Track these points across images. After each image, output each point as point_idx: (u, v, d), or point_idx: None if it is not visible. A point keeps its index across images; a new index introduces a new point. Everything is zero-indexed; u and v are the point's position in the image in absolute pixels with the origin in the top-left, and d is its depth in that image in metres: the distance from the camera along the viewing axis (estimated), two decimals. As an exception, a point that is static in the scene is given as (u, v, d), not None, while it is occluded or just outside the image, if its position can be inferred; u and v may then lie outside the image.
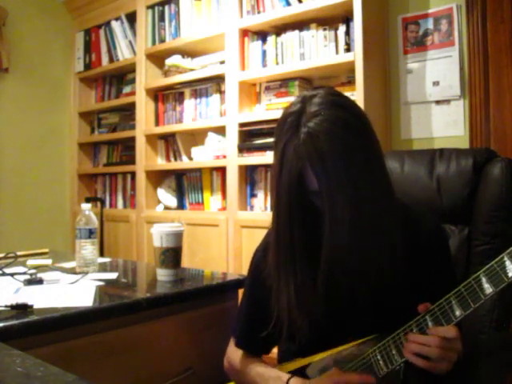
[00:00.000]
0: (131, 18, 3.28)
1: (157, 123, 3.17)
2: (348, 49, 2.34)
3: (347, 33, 2.35)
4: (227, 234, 2.64)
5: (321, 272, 0.94)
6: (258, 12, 2.60)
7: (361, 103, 2.15)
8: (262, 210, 2.61)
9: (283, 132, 0.93)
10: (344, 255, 0.91)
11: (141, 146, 3.17)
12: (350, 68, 2.29)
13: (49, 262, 1.67)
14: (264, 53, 2.63)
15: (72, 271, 1.47)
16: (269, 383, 1.05)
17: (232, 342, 1.18)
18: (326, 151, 0.88)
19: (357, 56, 2.20)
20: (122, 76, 3.52)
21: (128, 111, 3.45)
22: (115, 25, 3.36)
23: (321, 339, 1.00)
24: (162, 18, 3.10)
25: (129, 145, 3.42)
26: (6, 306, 1.04)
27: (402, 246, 0.94)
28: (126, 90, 3.44)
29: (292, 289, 0.96)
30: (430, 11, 2.32)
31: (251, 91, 2.72)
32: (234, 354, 1.16)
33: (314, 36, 2.44)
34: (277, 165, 0.94)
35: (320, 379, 0.98)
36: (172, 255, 1.33)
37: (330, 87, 1.03)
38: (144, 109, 3.16)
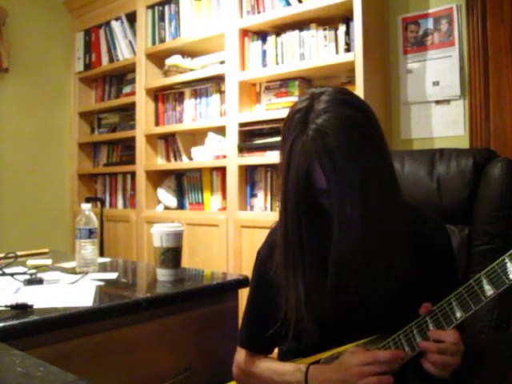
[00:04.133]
0: (131, 18, 3.28)
1: (157, 123, 3.17)
2: (348, 49, 2.34)
3: (347, 33, 2.35)
4: (227, 234, 2.63)
5: (329, 271, 0.93)
6: (258, 12, 2.59)
7: (361, 103, 2.14)
8: (262, 209, 2.61)
9: (291, 129, 0.92)
10: (352, 254, 0.91)
11: (141, 145, 3.17)
12: (350, 68, 2.29)
13: (49, 262, 1.67)
14: (264, 53, 2.63)
15: (72, 271, 1.47)
16: (286, 378, 1.02)
17: (238, 349, 1.16)
18: (334, 148, 0.87)
19: (357, 56, 2.20)
20: (122, 76, 3.52)
21: (128, 111, 3.45)
22: (115, 25, 3.36)
23: (326, 338, 1.00)
24: (162, 18, 3.09)
25: (129, 145, 3.42)
26: (5, 306, 1.04)
27: (407, 245, 0.94)
28: (126, 89, 3.44)
29: (301, 287, 0.96)
30: (430, 11, 2.32)
31: (251, 91, 2.72)
32: (240, 357, 1.14)
33: (314, 36, 2.44)
34: (284, 162, 0.94)
35: (341, 362, 0.94)
36: (172, 255, 1.33)
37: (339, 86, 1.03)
38: (144, 109, 3.16)
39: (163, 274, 1.34)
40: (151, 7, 3.15)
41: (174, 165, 3.07)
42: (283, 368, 1.05)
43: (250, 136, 2.67)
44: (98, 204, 3.20)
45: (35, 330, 0.98)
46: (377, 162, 0.92)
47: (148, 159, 3.16)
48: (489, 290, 0.85)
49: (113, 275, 1.43)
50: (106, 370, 1.09)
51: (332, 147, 0.87)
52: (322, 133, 0.88)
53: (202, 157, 2.87)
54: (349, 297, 0.96)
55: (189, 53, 3.03)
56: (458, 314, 0.88)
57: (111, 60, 3.43)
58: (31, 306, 1.05)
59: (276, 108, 2.57)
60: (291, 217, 0.95)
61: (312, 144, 0.88)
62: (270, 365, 1.08)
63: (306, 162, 0.90)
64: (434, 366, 0.87)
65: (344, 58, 2.28)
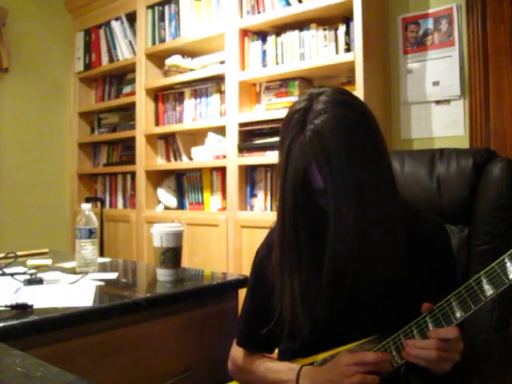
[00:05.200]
0: (131, 18, 3.28)
1: (157, 123, 3.17)
2: (348, 49, 2.34)
3: (347, 33, 2.35)
4: (227, 234, 2.63)
5: (325, 271, 0.93)
6: (258, 12, 2.59)
7: (361, 103, 2.15)
8: (262, 209, 2.61)
9: (289, 129, 0.93)
10: (348, 254, 0.91)
11: (141, 145, 3.17)
12: (350, 68, 2.29)
13: (49, 262, 1.67)
14: (264, 53, 2.63)
15: (72, 271, 1.47)
16: (279, 375, 1.03)
17: (235, 343, 1.17)
18: (331, 149, 0.87)
19: (357, 56, 2.20)
20: (122, 76, 3.52)
21: (128, 111, 3.45)
22: (115, 25, 3.36)
23: (322, 338, 1.00)
24: (162, 18, 3.09)
25: (129, 145, 3.42)
26: (5, 306, 1.04)
27: (405, 245, 0.94)
28: (126, 89, 3.44)
29: (296, 286, 0.96)
30: (430, 11, 2.32)
31: (251, 91, 2.72)
32: (237, 354, 1.15)
33: (314, 36, 2.44)
34: (282, 162, 0.94)
35: (332, 363, 0.96)
36: (172, 255, 1.33)
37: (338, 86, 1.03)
38: (144, 109, 3.16)
39: (163, 274, 1.34)
40: (151, 7, 3.15)
41: (174, 165, 3.07)
42: (277, 366, 1.06)
43: (249, 136, 2.67)
44: (98, 204, 3.20)
45: (35, 330, 0.98)
46: (374, 162, 0.92)
47: (148, 159, 3.16)
48: (488, 290, 0.85)
49: (113, 275, 1.43)
50: (106, 370, 1.09)
51: (329, 148, 0.87)
52: (320, 134, 0.88)
53: (201, 157, 2.87)
54: (345, 297, 0.96)
55: (189, 53, 3.03)
56: (458, 314, 0.88)
57: (111, 60, 3.43)
58: (31, 306, 1.05)
59: (276, 108, 2.56)
60: (289, 216, 0.95)
61: (309, 145, 0.89)
62: (265, 363, 1.09)
63: (303, 162, 0.90)
64: (409, 357, 0.90)
65: (344, 57, 2.28)
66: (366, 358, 0.92)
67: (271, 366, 1.07)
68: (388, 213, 0.93)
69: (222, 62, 2.77)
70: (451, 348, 0.88)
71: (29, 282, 1.29)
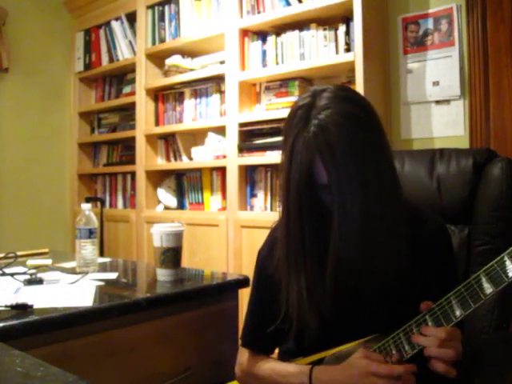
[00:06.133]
0: (131, 18, 3.28)
1: (157, 123, 3.17)
2: (348, 49, 2.34)
3: (347, 33, 2.35)
4: (227, 234, 2.63)
5: (329, 269, 0.93)
6: (258, 12, 2.59)
7: (361, 103, 2.15)
8: (262, 209, 2.61)
9: (292, 126, 0.93)
10: (351, 253, 0.91)
11: (141, 146, 3.17)
12: (350, 68, 2.29)
13: (49, 262, 1.67)
14: (264, 53, 2.63)
15: (72, 271, 1.47)
16: (290, 379, 1.01)
17: (241, 350, 1.16)
18: (335, 143, 0.88)
19: (357, 56, 2.20)
20: (122, 76, 3.52)
21: (128, 111, 3.45)
22: (115, 25, 3.36)
23: (327, 337, 1.00)
24: (162, 18, 3.10)
25: (129, 145, 3.42)
26: (5, 306, 1.04)
27: (407, 243, 0.94)
28: (126, 89, 3.44)
29: (303, 283, 0.96)
30: (430, 11, 2.32)
31: (251, 91, 2.72)
32: (242, 357, 1.14)
33: (314, 36, 2.44)
34: (286, 158, 0.94)
35: (350, 366, 0.92)
36: (172, 255, 1.33)
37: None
38: (144, 109, 3.16)
39: (163, 274, 1.34)
40: (151, 7, 3.15)
41: (174, 165, 3.07)
42: (286, 369, 1.04)
43: (249, 136, 2.67)
44: (98, 204, 3.20)
45: (35, 330, 0.98)
46: (377, 157, 0.92)
47: (148, 159, 3.16)
48: (488, 288, 0.85)
49: (113, 275, 1.43)
50: (105, 370, 1.09)
51: (333, 142, 0.88)
52: (324, 128, 0.88)
53: (202, 157, 2.87)
54: (349, 294, 0.96)
55: (189, 53, 3.03)
56: (458, 312, 0.88)
57: (111, 60, 3.43)
58: (31, 306, 1.05)
59: (276, 108, 2.57)
60: (293, 213, 0.95)
61: (314, 139, 0.89)
62: (272, 366, 1.07)
63: (307, 157, 0.90)
64: (440, 360, 0.86)
65: (344, 57, 2.28)
66: (396, 371, 0.87)
67: (279, 369, 1.05)
68: (391, 211, 0.93)
69: (222, 62, 2.77)
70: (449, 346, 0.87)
71: (29, 282, 1.29)
